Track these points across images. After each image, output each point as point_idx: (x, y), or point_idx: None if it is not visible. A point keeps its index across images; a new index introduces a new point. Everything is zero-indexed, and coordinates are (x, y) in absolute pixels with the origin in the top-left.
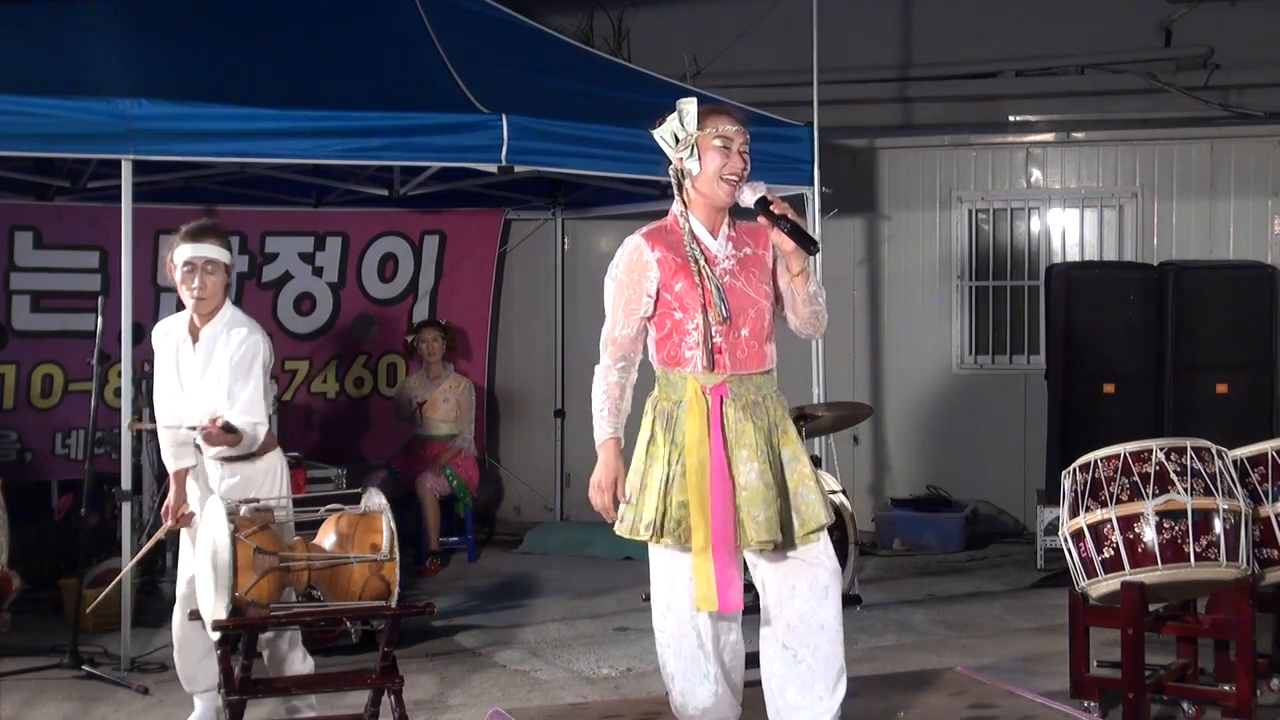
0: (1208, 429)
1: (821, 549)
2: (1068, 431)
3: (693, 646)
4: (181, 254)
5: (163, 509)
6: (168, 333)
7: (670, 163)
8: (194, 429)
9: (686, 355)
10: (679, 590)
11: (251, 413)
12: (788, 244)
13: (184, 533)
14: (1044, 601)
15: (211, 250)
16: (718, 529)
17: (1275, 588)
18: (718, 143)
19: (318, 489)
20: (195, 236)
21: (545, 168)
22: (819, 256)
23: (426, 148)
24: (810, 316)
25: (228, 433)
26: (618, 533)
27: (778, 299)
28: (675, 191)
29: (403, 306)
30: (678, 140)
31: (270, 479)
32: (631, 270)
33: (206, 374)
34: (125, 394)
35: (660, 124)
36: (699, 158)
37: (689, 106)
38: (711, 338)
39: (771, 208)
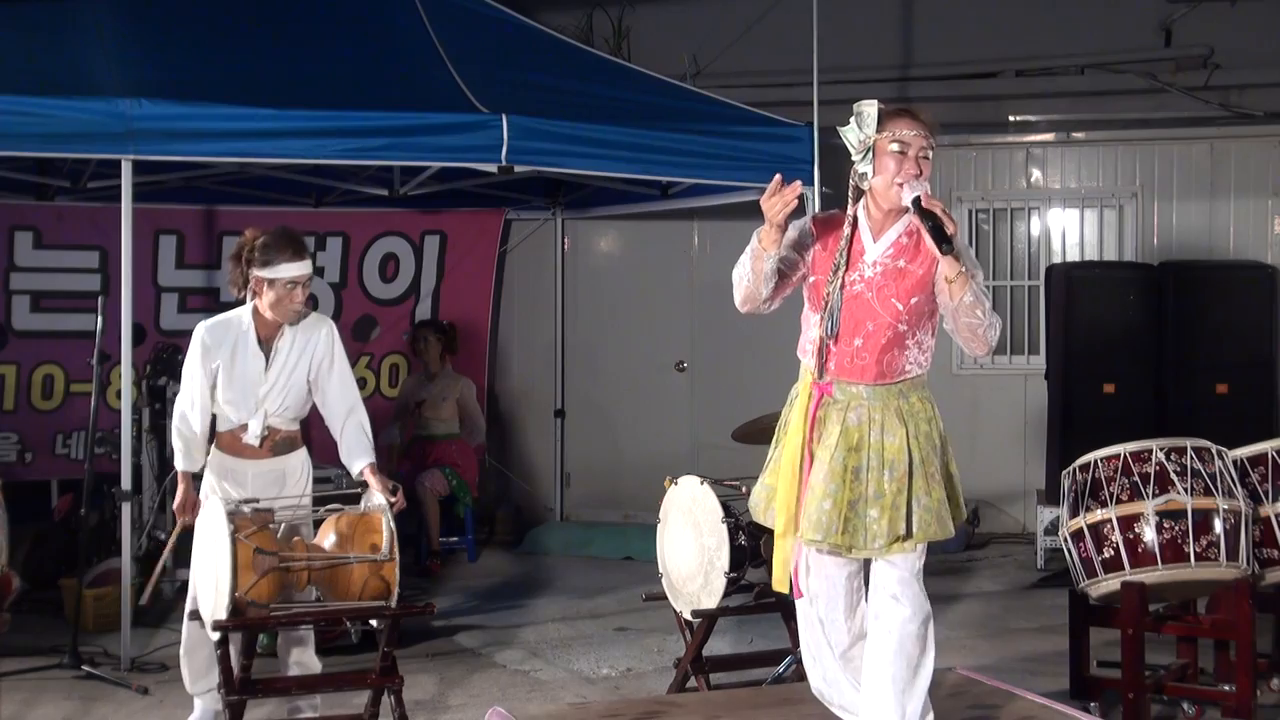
0: (1208, 429)
1: (896, 563)
2: (1068, 431)
3: (814, 629)
4: (286, 271)
5: (176, 506)
6: (227, 332)
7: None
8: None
9: (807, 348)
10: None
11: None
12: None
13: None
14: (1044, 601)
15: (310, 265)
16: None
17: (1275, 588)
18: (894, 147)
19: (318, 489)
20: (298, 254)
21: (545, 168)
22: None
23: (426, 148)
24: (967, 329)
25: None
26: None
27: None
28: (850, 195)
29: (405, 307)
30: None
31: (302, 473)
32: (794, 229)
33: (295, 371)
34: (125, 394)
35: (847, 124)
36: (873, 162)
37: (868, 109)
38: (822, 347)
39: (923, 204)
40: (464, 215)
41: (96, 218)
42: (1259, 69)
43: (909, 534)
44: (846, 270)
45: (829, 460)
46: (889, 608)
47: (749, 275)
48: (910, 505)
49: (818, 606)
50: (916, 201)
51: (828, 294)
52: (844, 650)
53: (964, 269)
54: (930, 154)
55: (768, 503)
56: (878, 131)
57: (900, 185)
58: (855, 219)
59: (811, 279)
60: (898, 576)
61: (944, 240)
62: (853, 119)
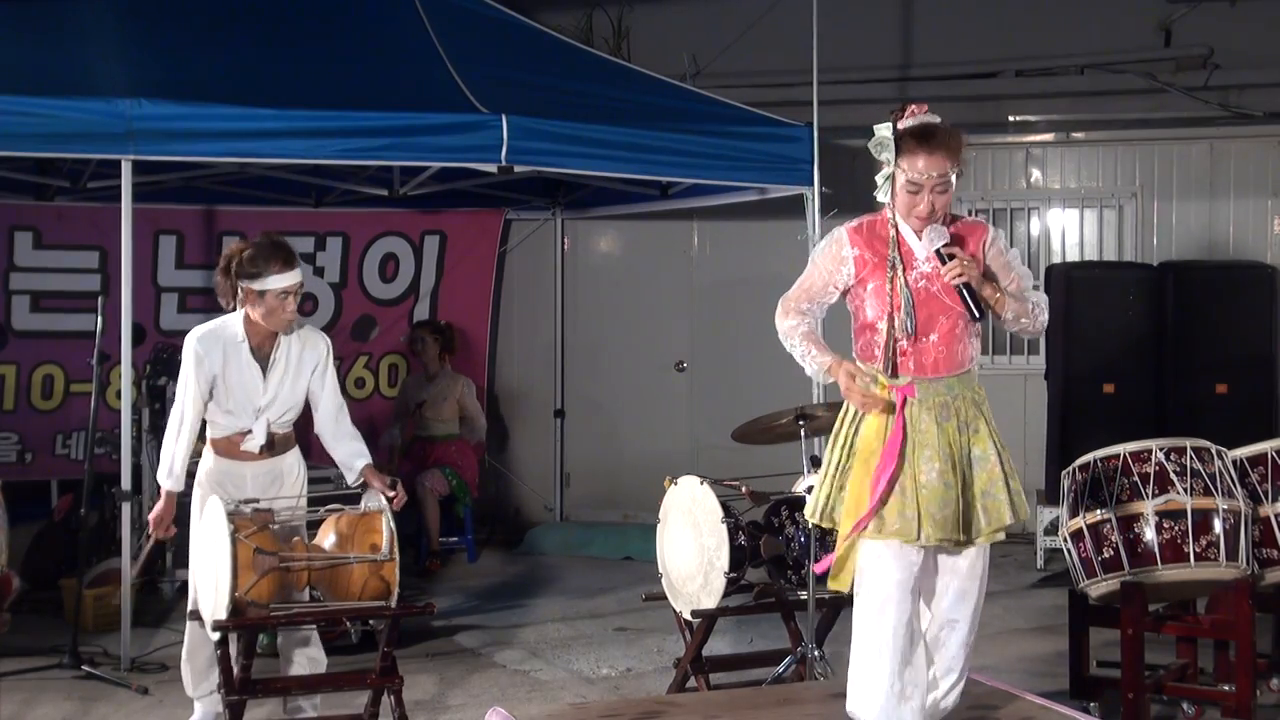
0: (1208, 429)
1: (976, 551)
2: (1068, 431)
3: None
4: (276, 283)
5: (153, 517)
6: (217, 341)
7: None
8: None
9: (875, 354)
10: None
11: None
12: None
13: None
14: (1044, 601)
15: (300, 274)
16: (864, 520)
17: (1275, 588)
18: (909, 189)
19: (318, 489)
20: (288, 264)
21: (545, 168)
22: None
23: (426, 148)
24: (1015, 328)
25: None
26: (807, 514)
27: None
28: (888, 198)
29: (404, 307)
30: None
31: (298, 471)
32: (828, 260)
33: (296, 382)
34: (125, 394)
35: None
36: (890, 188)
37: (884, 135)
38: (894, 347)
39: (947, 266)
40: (464, 215)
41: (96, 218)
42: (1259, 69)
43: (1015, 518)
44: (904, 271)
45: (938, 460)
46: (957, 604)
47: (794, 355)
48: (1009, 490)
49: (904, 592)
50: (939, 253)
51: (890, 294)
52: (909, 632)
53: (1000, 293)
54: (951, 179)
55: (844, 505)
56: (898, 154)
57: (919, 223)
58: (894, 221)
59: (870, 285)
60: (967, 567)
61: (977, 307)
62: (870, 146)
